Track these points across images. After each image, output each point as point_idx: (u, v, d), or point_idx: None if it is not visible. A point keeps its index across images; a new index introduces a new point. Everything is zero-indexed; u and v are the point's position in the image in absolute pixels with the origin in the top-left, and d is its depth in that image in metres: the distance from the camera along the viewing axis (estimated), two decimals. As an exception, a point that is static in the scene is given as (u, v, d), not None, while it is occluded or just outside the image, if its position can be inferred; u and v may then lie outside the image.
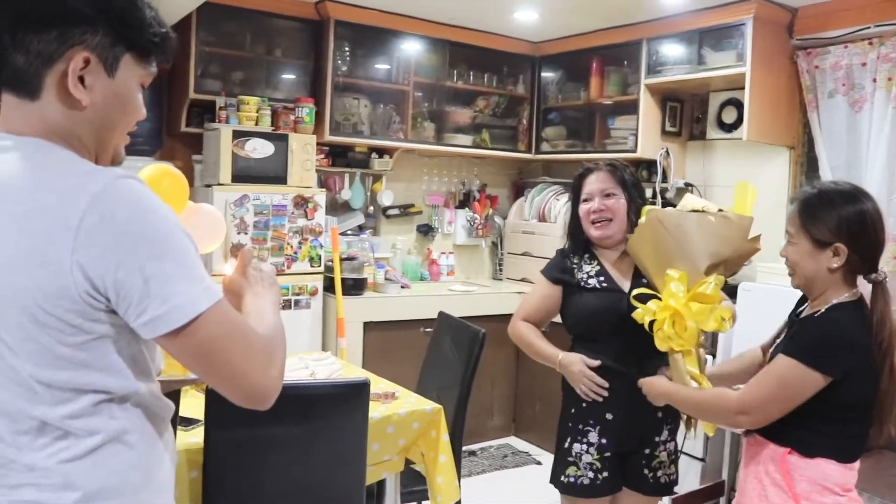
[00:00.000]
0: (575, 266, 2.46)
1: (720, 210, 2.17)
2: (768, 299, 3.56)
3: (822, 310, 1.92)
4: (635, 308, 2.18)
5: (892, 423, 1.91)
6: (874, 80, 3.83)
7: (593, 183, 2.47)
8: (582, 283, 2.42)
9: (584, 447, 2.38)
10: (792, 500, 1.93)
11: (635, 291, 2.19)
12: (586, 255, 2.48)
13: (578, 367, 2.34)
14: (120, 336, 1.13)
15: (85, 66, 1.12)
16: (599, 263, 2.45)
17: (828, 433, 1.91)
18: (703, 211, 2.14)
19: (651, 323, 2.14)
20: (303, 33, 4.56)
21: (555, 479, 2.45)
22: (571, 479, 2.38)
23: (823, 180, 2.24)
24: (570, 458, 2.39)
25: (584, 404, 2.38)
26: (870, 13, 3.79)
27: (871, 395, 1.90)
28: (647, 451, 2.41)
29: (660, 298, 2.14)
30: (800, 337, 1.93)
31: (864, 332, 1.87)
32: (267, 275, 1.45)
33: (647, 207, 2.29)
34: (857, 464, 1.96)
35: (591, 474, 2.36)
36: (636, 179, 2.53)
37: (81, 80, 1.13)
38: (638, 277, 2.36)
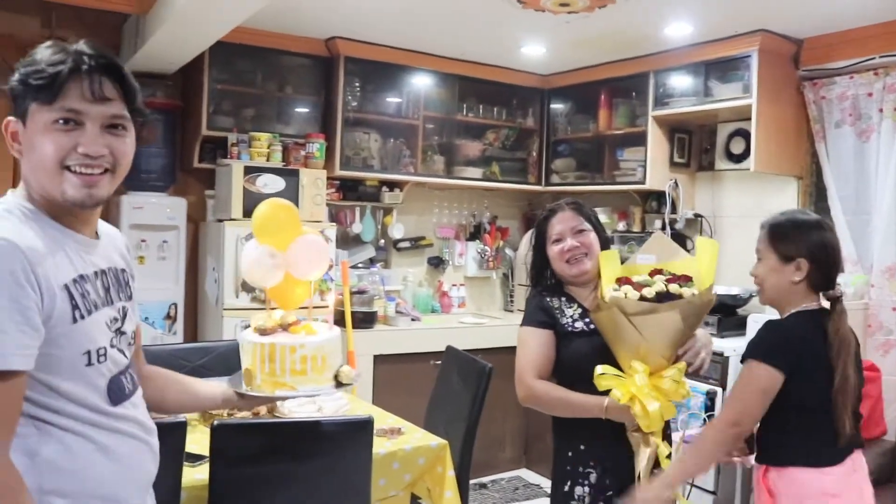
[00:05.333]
0: (557, 311, 2.38)
1: (685, 285, 2.12)
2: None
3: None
4: None
5: (845, 421, 2.04)
6: (881, 110, 3.84)
7: (561, 222, 2.40)
8: (569, 328, 2.34)
9: (587, 489, 2.31)
10: None
11: (598, 369, 2.16)
12: (563, 299, 2.40)
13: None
14: None
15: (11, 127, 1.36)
16: (580, 305, 2.38)
17: (793, 439, 2.04)
18: (669, 297, 2.09)
19: None
20: (313, 70, 4.63)
21: None
22: None
23: (790, 209, 2.43)
24: (574, 501, 2.33)
25: (582, 446, 2.33)
26: (874, 44, 3.81)
27: (826, 396, 2.03)
28: None
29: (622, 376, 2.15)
30: (752, 340, 2.10)
31: (811, 333, 2.06)
32: None
33: (607, 292, 2.19)
34: (836, 469, 2.03)
35: None
36: (596, 214, 2.50)
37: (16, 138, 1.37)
38: None
